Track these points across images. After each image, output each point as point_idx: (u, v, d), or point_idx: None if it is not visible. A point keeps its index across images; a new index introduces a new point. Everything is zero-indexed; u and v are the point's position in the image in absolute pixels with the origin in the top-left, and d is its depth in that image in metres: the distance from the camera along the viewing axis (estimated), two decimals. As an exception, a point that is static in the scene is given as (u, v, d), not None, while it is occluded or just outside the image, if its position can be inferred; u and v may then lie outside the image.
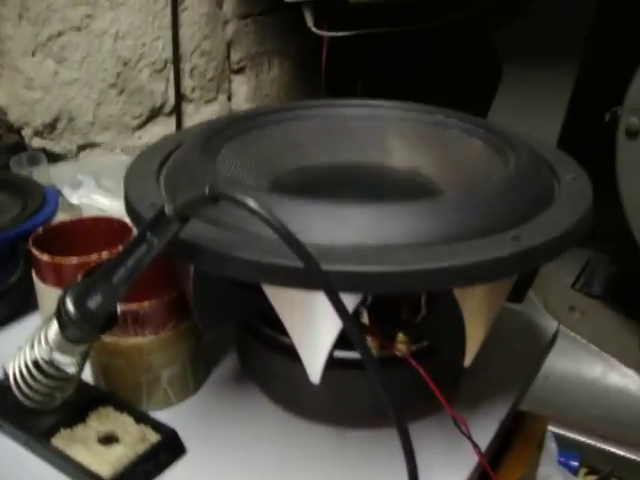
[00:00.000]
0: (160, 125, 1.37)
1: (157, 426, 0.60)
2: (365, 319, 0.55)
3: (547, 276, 1.49)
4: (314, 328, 0.50)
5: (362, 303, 0.51)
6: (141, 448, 0.58)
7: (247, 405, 0.65)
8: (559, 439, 1.16)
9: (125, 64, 1.27)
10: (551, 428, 1.18)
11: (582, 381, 1.32)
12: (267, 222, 0.41)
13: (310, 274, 0.42)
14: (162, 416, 0.62)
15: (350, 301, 0.48)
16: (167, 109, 1.38)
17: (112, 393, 0.63)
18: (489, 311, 0.53)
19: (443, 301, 0.53)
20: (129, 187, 0.56)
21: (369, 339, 0.55)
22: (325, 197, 0.51)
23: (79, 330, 0.51)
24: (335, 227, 0.48)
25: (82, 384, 0.61)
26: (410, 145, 0.68)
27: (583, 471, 1.23)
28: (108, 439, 0.59)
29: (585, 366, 1.34)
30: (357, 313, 0.54)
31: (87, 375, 0.64)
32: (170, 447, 0.59)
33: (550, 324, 0.75)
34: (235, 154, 0.63)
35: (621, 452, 1.23)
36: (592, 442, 1.25)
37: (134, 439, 0.59)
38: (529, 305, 1.19)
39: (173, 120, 1.38)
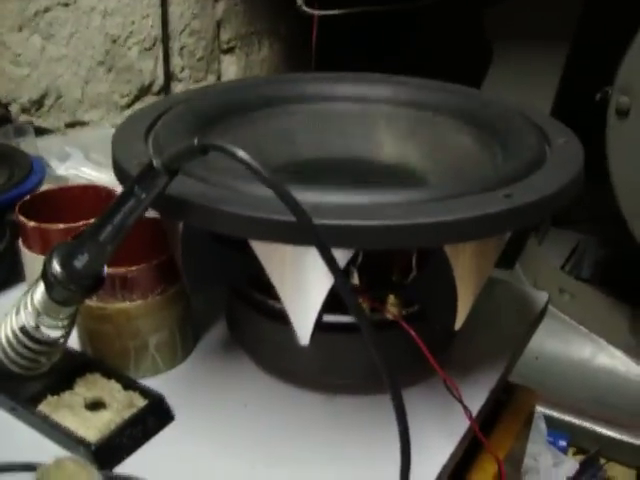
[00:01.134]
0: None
1: (145, 392, 0.59)
2: (355, 280, 0.54)
3: (536, 258, 1.49)
4: (304, 286, 0.50)
5: (352, 262, 0.51)
6: (128, 413, 0.57)
7: (236, 372, 0.64)
8: (548, 419, 1.16)
9: (114, 42, 1.26)
10: (540, 408, 1.18)
11: (571, 362, 1.32)
12: (257, 173, 0.41)
13: (301, 228, 0.42)
14: (150, 383, 0.61)
15: (341, 258, 0.47)
16: (156, 88, 1.37)
17: (99, 359, 0.62)
18: (480, 272, 0.53)
19: (434, 262, 0.53)
20: (117, 147, 0.55)
21: (360, 300, 0.55)
22: (313, 184, 0.51)
23: (66, 291, 0.50)
24: (324, 188, 0.48)
25: (69, 350, 0.61)
26: (398, 138, 0.68)
27: (571, 451, 1.24)
28: (95, 405, 0.59)
29: (574, 347, 1.35)
30: (347, 273, 0.53)
31: (74, 341, 0.63)
32: (158, 413, 0.58)
33: (540, 296, 0.75)
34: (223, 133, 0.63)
35: (609, 433, 1.23)
36: (580, 422, 1.25)
37: (121, 405, 0.58)
38: (519, 283, 1.19)
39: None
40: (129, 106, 1.33)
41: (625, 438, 1.21)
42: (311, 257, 0.48)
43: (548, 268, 1.46)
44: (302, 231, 0.42)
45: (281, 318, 0.57)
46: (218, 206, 0.46)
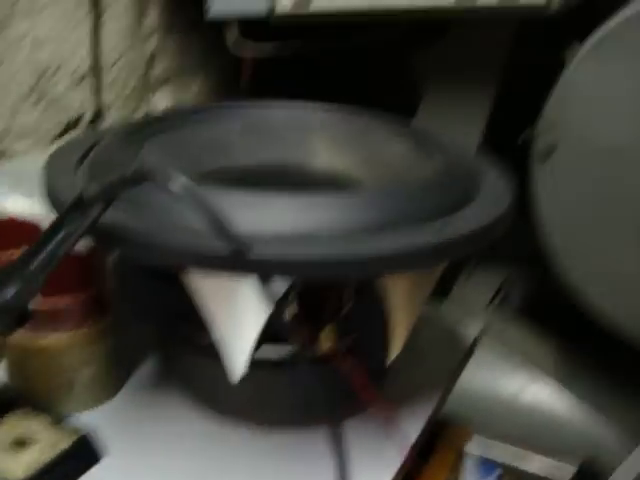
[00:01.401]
0: (78, 137, 1.33)
1: (72, 429, 0.57)
2: (289, 313, 0.54)
3: (464, 294, 1.51)
4: (237, 321, 0.50)
5: (286, 296, 0.51)
6: (56, 452, 0.55)
7: (169, 407, 0.63)
8: (479, 452, 1.17)
9: (43, 74, 1.24)
10: (470, 442, 1.19)
11: (500, 396, 1.34)
12: (192, 202, 0.40)
13: (235, 258, 0.42)
14: (80, 419, 0.59)
15: (275, 292, 0.47)
16: (86, 120, 1.34)
17: (27, 395, 0.60)
18: (413, 304, 0.54)
19: (368, 294, 0.53)
20: (48, 176, 0.54)
21: (293, 334, 0.55)
22: (248, 189, 0.51)
23: (-9, 324, 0.49)
24: (259, 216, 0.48)
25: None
26: (334, 147, 0.68)
27: (502, 483, 1.25)
28: (22, 443, 0.57)
29: (503, 381, 1.36)
30: (282, 307, 0.53)
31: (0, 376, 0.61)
32: (85, 451, 0.56)
33: (470, 330, 0.76)
34: (158, 150, 0.62)
35: (536, 465, 1.25)
36: (509, 456, 1.26)
37: (49, 443, 0.56)
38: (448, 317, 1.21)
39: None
40: (57, 139, 1.30)
41: (552, 471, 1.23)
42: (245, 289, 0.48)
43: (476, 304, 1.49)
44: (237, 262, 0.42)
45: (214, 353, 0.57)
46: (151, 237, 0.45)
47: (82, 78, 1.31)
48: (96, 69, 1.32)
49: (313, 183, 0.64)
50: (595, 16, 1.08)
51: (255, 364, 0.52)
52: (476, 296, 1.54)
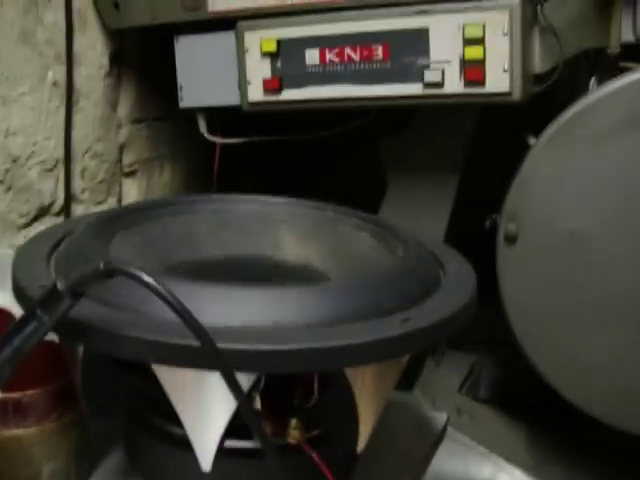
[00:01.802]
0: (47, 224, 1.34)
1: (35, 526, 0.56)
2: (258, 404, 0.54)
3: (434, 380, 1.51)
4: (206, 411, 0.50)
5: (255, 387, 0.51)
6: None
7: (133, 503, 0.62)
8: None
9: (14, 161, 1.25)
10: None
11: (471, 483, 1.33)
12: (162, 297, 0.41)
13: (204, 352, 0.42)
14: (41, 516, 0.58)
15: (243, 382, 0.48)
16: (56, 209, 1.35)
17: (-13, 491, 0.59)
18: (380, 394, 0.54)
19: (335, 385, 0.54)
20: (18, 269, 0.55)
21: (262, 425, 0.55)
22: (217, 281, 0.52)
23: (-44, 418, 0.48)
24: (228, 308, 0.48)
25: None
26: (301, 239, 0.70)
27: None
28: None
29: (474, 468, 1.35)
30: (250, 397, 0.53)
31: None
32: None
33: (439, 417, 0.76)
34: (128, 242, 0.63)
35: None
36: None
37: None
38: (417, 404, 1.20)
39: (61, 220, 1.35)
40: (27, 226, 1.31)
41: None
42: (213, 381, 0.48)
43: (446, 389, 1.48)
44: (206, 356, 0.42)
45: (181, 444, 0.56)
46: (119, 330, 0.46)
47: (53, 167, 1.33)
48: (67, 158, 1.34)
49: (281, 275, 0.65)
50: (550, 109, 1.12)
51: (224, 454, 0.52)
52: (445, 381, 1.53)
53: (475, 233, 1.18)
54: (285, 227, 0.70)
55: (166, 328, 0.45)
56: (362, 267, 0.62)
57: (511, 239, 1.16)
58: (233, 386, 0.42)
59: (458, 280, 0.59)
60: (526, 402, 1.42)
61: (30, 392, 0.57)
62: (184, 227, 0.68)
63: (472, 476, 1.34)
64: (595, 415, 1.16)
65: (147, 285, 0.41)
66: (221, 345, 0.43)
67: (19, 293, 0.52)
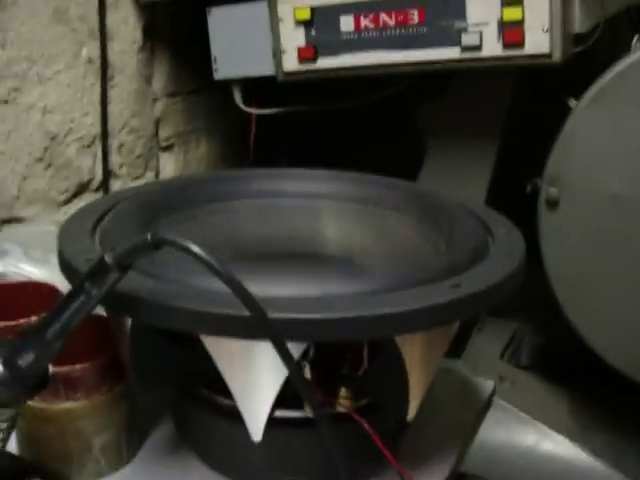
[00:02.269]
0: (87, 201, 1.34)
1: (88, 498, 0.57)
2: (307, 374, 0.54)
3: (476, 347, 1.50)
4: (256, 381, 0.50)
5: (304, 357, 0.51)
6: (72, 521, 0.55)
7: (184, 473, 0.62)
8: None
9: (52, 139, 1.26)
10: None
11: (516, 450, 1.32)
12: (211, 268, 0.41)
13: (255, 322, 0.42)
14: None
15: (293, 352, 0.47)
16: (94, 185, 1.36)
17: (39, 464, 0.60)
18: (430, 362, 0.53)
19: (385, 353, 0.53)
20: (64, 243, 0.55)
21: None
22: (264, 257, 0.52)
23: (7, 392, 0.48)
24: (276, 282, 0.48)
25: (4, 455, 0.58)
26: (344, 225, 0.69)
27: (520, 541, 1.22)
28: (35, 513, 0.56)
29: (518, 435, 1.35)
30: (300, 367, 0.53)
31: (11, 445, 0.60)
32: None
33: (486, 385, 0.76)
34: (172, 221, 0.63)
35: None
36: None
37: (64, 512, 0.56)
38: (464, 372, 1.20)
39: (100, 196, 1.36)
40: (67, 203, 1.32)
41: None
42: (263, 351, 0.48)
43: (487, 357, 1.47)
44: (256, 325, 0.42)
45: (230, 415, 0.56)
46: (169, 302, 0.45)
47: (91, 143, 1.33)
48: (104, 134, 1.34)
49: (323, 268, 0.64)
50: (590, 70, 1.10)
51: (274, 425, 0.52)
52: (487, 349, 1.52)
53: (515, 198, 1.16)
54: (326, 219, 0.69)
55: (214, 299, 0.45)
56: (408, 248, 0.61)
57: (553, 203, 1.14)
58: (284, 355, 0.41)
59: (507, 246, 0.58)
60: (568, 368, 1.41)
61: (79, 366, 0.57)
62: (226, 215, 0.68)
63: (516, 444, 1.34)
64: (639, 380, 1.15)
65: (196, 256, 0.40)
66: (271, 315, 0.42)
67: (66, 267, 0.53)
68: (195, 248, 0.40)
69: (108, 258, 0.44)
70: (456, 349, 1.39)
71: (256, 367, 0.49)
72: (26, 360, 0.48)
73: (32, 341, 0.47)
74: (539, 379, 1.44)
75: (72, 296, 0.46)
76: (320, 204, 0.72)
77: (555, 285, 1.17)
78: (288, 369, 0.42)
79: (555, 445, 1.33)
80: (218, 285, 0.45)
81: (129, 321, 0.53)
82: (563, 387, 1.41)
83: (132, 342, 0.53)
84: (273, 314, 0.42)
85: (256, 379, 0.49)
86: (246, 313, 0.42)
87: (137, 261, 0.45)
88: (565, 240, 1.14)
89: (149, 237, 0.42)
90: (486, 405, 0.73)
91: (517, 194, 1.16)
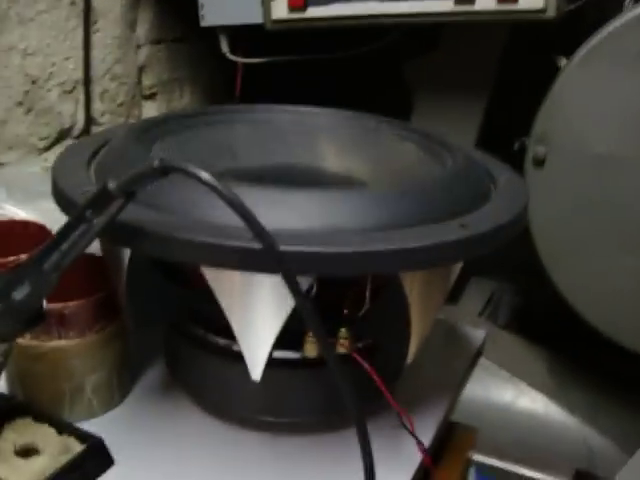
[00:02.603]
0: (68, 148, 1.32)
1: (82, 436, 0.56)
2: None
3: (455, 306, 1.51)
4: (258, 318, 0.49)
5: (307, 295, 0.50)
6: (65, 459, 0.54)
7: (176, 413, 0.62)
8: (474, 463, 1.16)
9: (33, 82, 1.22)
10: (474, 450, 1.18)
11: (494, 406, 1.34)
12: (221, 195, 0.39)
13: (266, 254, 0.41)
14: (85, 427, 0.58)
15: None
16: (76, 132, 1.33)
17: (30, 403, 0.59)
18: (433, 302, 0.53)
19: (386, 294, 0.52)
20: (59, 176, 0.53)
21: (310, 336, 0.54)
22: (269, 185, 0.50)
23: (2, 325, 0.47)
24: (284, 213, 0.47)
25: (-4, 393, 0.57)
26: (343, 149, 0.68)
27: (498, 495, 1.24)
28: (27, 451, 0.55)
29: (496, 392, 1.36)
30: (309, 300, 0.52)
31: (1, 384, 0.59)
32: (97, 457, 0.55)
33: (478, 333, 0.76)
34: (169, 150, 0.61)
35: (533, 474, 1.24)
36: (505, 465, 1.25)
37: (57, 450, 0.55)
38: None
39: (82, 143, 1.33)
40: (48, 149, 1.29)
41: (548, 479, 1.22)
42: (267, 286, 0.47)
43: (467, 315, 1.48)
44: (266, 258, 0.41)
45: (225, 355, 0.56)
46: (174, 233, 0.44)
47: (72, 89, 1.30)
48: (86, 80, 1.31)
49: (325, 184, 0.63)
50: (581, 30, 1.09)
51: (272, 364, 0.51)
52: (467, 307, 1.53)
53: (503, 156, 1.16)
54: (325, 136, 0.68)
55: (221, 230, 0.44)
56: (412, 175, 0.60)
57: (539, 162, 1.14)
58: (293, 288, 0.40)
59: (510, 189, 0.57)
60: (545, 328, 1.42)
61: (73, 303, 0.56)
62: (223, 137, 0.66)
63: (494, 400, 1.35)
64: (618, 340, 1.16)
65: (206, 183, 0.39)
66: (282, 248, 0.41)
67: (61, 199, 0.51)
68: (205, 175, 0.39)
69: (112, 185, 0.42)
70: (452, 296, 1.40)
71: (258, 304, 0.48)
72: (21, 293, 0.46)
73: (28, 273, 0.46)
74: (518, 338, 1.45)
75: (72, 225, 0.44)
76: (320, 132, 0.70)
77: (539, 244, 1.17)
78: (297, 303, 0.41)
79: (532, 402, 1.34)
80: (223, 217, 0.44)
81: (126, 257, 0.51)
82: (541, 346, 1.42)
83: (129, 277, 0.51)
84: (284, 247, 0.41)
85: (258, 316, 0.48)
86: (255, 245, 0.41)
87: (143, 188, 0.43)
88: (551, 198, 1.14)
89: (156, 163, 0.40)
90: (478, 353, 0.73)
91: (504, 152, 1.15)
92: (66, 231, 0.45)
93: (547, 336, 1.42)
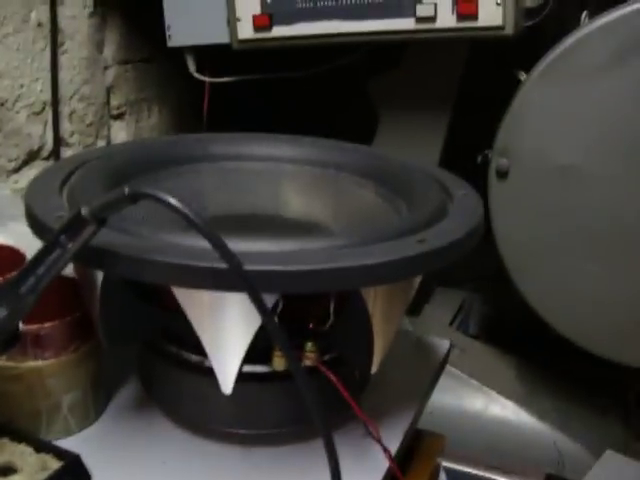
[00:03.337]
0: (37, 169, 1.33)
1: (59, 453, 0.57)
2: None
3: (426, 316, 1.54)
4: (228, 334, 0.51)
5: (273, 311, 0.52)
6: (43, 476, 0.55)
7: (151, 430, 0.63)
8: (446, 471, 1.19)
9: (1, 104, 1.23)
10: (439, 460, 1.20)
11: (465, 415, 1.36)
12: (189, 220, 0.41)
13: (231, 274, 0.43)
14: (62, 445, 0.59)
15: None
16: (45, 153, 1.34)
17: (7, 423, 0.60)
18: (394, 316, 0.55)
19: (350, 308, 0.55)
20: (32, 200, 0.55)
21: (278, 350, 0.56)
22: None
23: (-21, 348, 0.49)
24: (246, 239, 0.49)
25: (-27, 414, 0.58)
26: (304, 198, 0.71)
27: (469, 501, 1.26)
28: (6, 470, 0.56)
29: (467, 400, 1.38)
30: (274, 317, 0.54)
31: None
32: (74, 473, 0.57)
33: (442, 343, 0.78)
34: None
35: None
36: (477, 472, 1.28)
37: (34, 468, 0.56)
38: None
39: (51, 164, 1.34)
40: (16, 171, 1.30)
41: (519, 485, 1.25)
42: (235, 304, 0.49)
43: (437, 325, 1.51)
44: (231, 277, 0.43)
45: (198, 371, 0.58)
46: (144, 255, 0.46)
47: (41, 110, 1.31)
48: (54, 101, 1.32)
49: (288, 229, 0.66)
50: (542, 45, 1.12)
51: (242, 378, 0.53)
52: (437, 317, 1.56)
53: (466, 169, 1.19)
54: (289, 183, 0.71)
55: (189, 252, 0.46)
56: (369, 216, 0.63)
57: (502, 174, 1.17)
58: (259, 305, 0.42)
59: (466, 205, 0.60)
60: (515, 337, 1.45)
61: (48, 324, 0.57)
62: (188, 183, 0.69)
63: (465, 408, 1.37)
64: (585, 346, 1.19)
65: (174, 208, 0.41)
66: (247, 267, 0.43)
67: (35, 224, 0.53)
68: (173, 201, 0.41)
69: (85, 211, 0.44)
70: (414, 309, 1.43)
71: (227, 321, 0.50)
72: (-2, 315, 0.48)
73: (5, 296, 0.48)
74: (488, 347, 1.48)
75: (47, 250, 0.46)
76: (281, 168, 0.73)
77: (505, 254, 1.20)
78: (263, 319, 0.43)
79: (503, 409, 1.37)
80: (189, 240, 0.47)
81: (99, 279, 0.53)
82: (511, 355, 1.46)
83: (102, 298, 0.53)
84: (248, 266, 0.43)
85: (227, 332, 0.51)
86: (222, 265, 0.43)
87: (113, 214, 0.45)
88: (515, 210, 1.18)
89: (126, 190, 0.42)
90: (442, 363, 0.75)
91: (468, 165, 1.18)
92: (41, 256, 0.47)
93: (516, 344, 1.45)
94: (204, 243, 0.42)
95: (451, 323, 1.59)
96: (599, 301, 1.15)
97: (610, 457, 1.16)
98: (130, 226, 0.50)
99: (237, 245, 0.46)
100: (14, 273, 0.61)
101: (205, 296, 0.49)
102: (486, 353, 1.47)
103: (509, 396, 1.37)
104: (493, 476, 1.26)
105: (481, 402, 1.38)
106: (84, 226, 0.44)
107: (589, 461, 1.24)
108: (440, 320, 1.56)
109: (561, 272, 1.17)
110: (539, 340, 1.34)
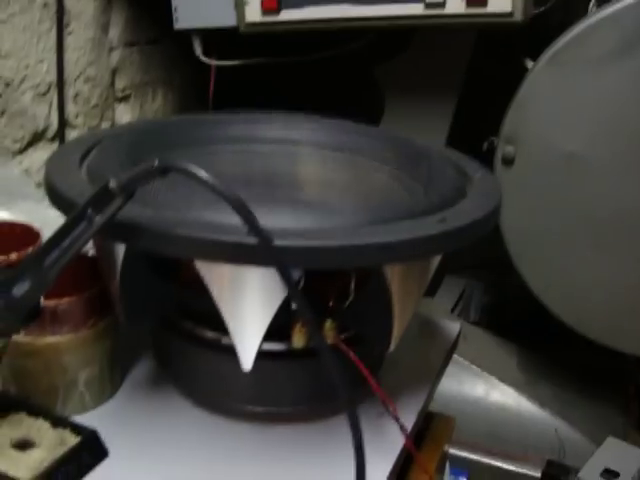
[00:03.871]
0: (42, 150, 1.32)
1: (76, 429, 0.57)
2: (294, 306, 0.55)
3: (428, 302, 1.54)
4: (249, 310, 0.51)
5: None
6: (60, 451, 0.55)
7: (166, 406, 0.64)
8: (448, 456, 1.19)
9: (7, 85, 1.23)
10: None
11: (466, 401, 1.37)
12: (221, 194, 0.41)
13: (260, 248, 0.43)
14: (78, 421, 0.59)
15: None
16: (50, 134, 1.33)
17: (24, 398, 0.60)
18: (414, 294, 0.56)
19: (370, 286, 0.55)
20: (54, 177, 0.55)
21: (298, 327, 0.56)
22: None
23: (2, 320, 0.49)
24: (275, 215, 0.49)
25: (-10, 389, 0.58)
26: (323, 178, 0.71)
27: (471, 485, 1.27)
28: (24, 445, 0.56)
29: (468, 386, 1.39)
30: (288, 300, 0.54)
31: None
32: (92, 449, 0.57)
33: (453, 325, 0.79)
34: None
35: (505, 466, 1.27)
36: (478, 458, 1.29)
37: (52, 443, 0.56)
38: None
39: (56, 146, 1.34)
40: (22, 152, 1.29)
41: (520, 470, 1.26)
42: (258, 279, 0.49)
43: (439, 312, 1.51)
44: (261, 251, 0.43)
45: (215, 348, 0.58)
46: (170, 229, 0.46)
47: (46, 91, 1.31)
48: (60, 82, 1.32)
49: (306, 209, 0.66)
50: (547, 34, 1.12)
51: (260, 356, 0.54)
52: (440, 304, 1.57)
53: (473, 155, 1.19)
54: (306, 158, 0.71)
55: (215, 227, 0.46)
56: (387, 194, 0.63)
57: (508, 161, 1.17)
58: (287, 280, 0.42)
59: (484, 187, 0.60)
60: (517, 325, 1.46)
61: (65, 300, 0.58)
62: (206, 154, 0.69)
63: (466, 394, 1.38)
64: (587, 334, 1.19)
65: (206, 183, 0.41)
66: (276, 243, 0.43)
67: (59, 199, 0.53)
68: (204, 174, 0.41)
69: (113, 184, 0.44)
70: (429, 289, 1.43)
71: (249, 296, 0.50)
72: (21, 289, 0.48)
73: (28, 269, 0.47)
74: (489, 334, 1.49)
75: (73, 223, 0.46)
76: (298, 150, 0.72)
77: (509, 240, 1.21)
78: (290, 293, 0.43)
79: (503, 396, 1.38)
80: (215, 215, 0.47)
81: (121, 253, 0.53)
82: (512, 342, 1.46)
83: (123, 274, 0.53)
84: (277, 242, 0.44)
85: (250, 307, 0.51)
86: (250, 240, 0.43)
87: (142, 186, 0.45)
88: (520, 197, 1.18)
89: (156, 163, 0.42)
90: (453, 345, 0.76)
91: (474, 151, 1.18)
92: (67, 229, 0.47)
93: (517, 331, 1.46)
94: (227, 218, 0.43)
95: (452, 310, 1.59)
96: (601, 289, 1.16)
97: (612, 443, 1.17)
98: (154, 200, 0.50)
99: (263, 221, 0.46)
100: (29, 250, 0.62)
101: (227, 271, 0.49)
102: (487, 340, 1.48)
103: (510, 383, 1.38)
104: (494, 462, 1.27)
105: (482, 389, 1.39)
106: (111, 199, 0.44)
107: (589, 447, 1.25)
108: (442, 307, 1.56)
109: (564, 259, 1.17)
110: (540, 328, 1.34)
